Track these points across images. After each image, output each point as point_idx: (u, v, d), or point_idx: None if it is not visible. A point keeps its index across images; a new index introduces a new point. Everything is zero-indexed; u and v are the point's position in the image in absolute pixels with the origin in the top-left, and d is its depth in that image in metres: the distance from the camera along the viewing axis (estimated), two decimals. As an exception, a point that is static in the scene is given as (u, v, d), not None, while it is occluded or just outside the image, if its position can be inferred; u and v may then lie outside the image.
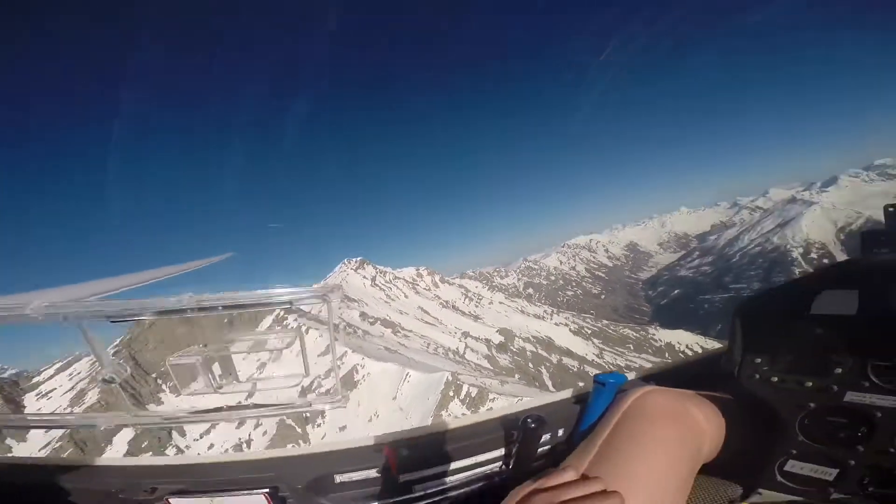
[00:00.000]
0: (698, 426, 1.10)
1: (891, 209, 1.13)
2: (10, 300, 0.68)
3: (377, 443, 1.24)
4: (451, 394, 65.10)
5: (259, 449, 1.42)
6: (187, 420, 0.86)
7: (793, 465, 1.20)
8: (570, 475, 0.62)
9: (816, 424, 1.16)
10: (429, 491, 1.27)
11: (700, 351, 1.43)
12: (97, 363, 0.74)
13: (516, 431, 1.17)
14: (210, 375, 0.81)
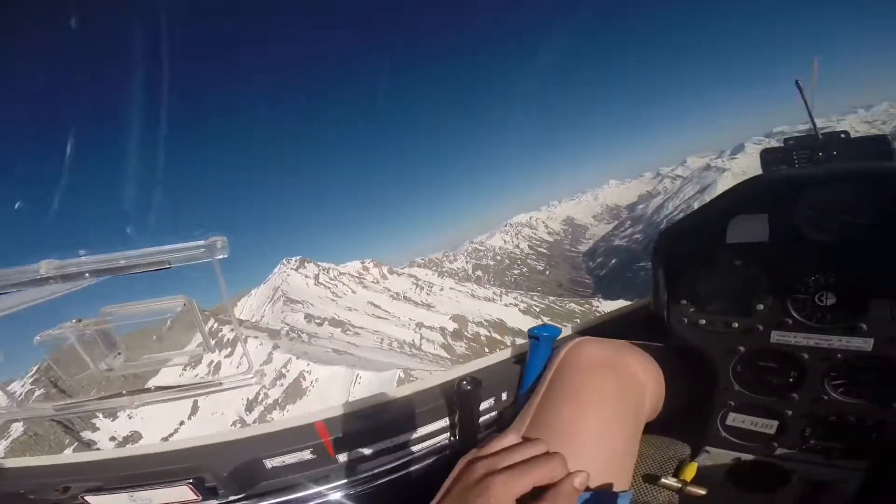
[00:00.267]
0: (636, 377, 1.06)
1: (790, 141, 1.12)
2: None
3: (306, 423, 1.16)
4: (405, 391, 63.67)
5: (182, 438, 1.30)
6: (77, 411, 0.75)
7: (733, 419, 1.15)
8: (511, 439, 0.60)
9: (748, 371, 1.10)
10: (375, 471, 1.19)
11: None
12: None
13: (455, 398, 1.13)
14: (90, 352, 0.70)
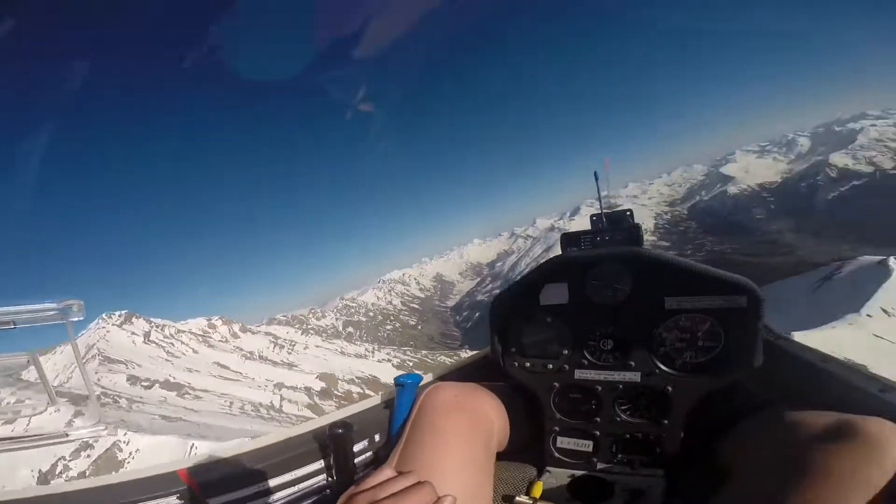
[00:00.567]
0: (485, 414, 1.30)
1: (593, 217, 1.55)
2: None
3: (168, 471, 1.18)
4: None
5: (29, 486, 1.20)
6: None
7: (561, 441, 1.44)
8: (387, 473, 0.68)
9: (564, 402, 1.43)
10: None
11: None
12: None
13: (329, 442, 1.23)
14: None
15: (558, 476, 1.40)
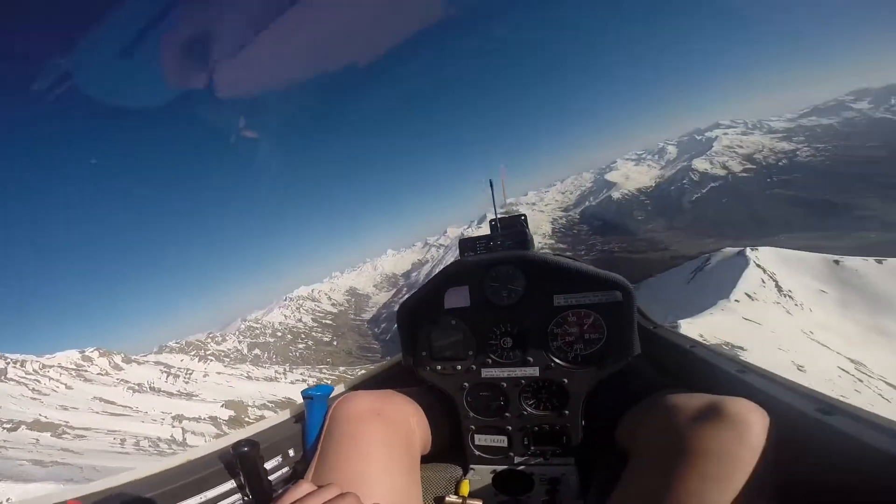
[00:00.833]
0: (403, 418, 1.31)
1: (492, 222, 1.65)
2: None
3: (58, 500, 1.10)
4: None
5: None
6: None
7: (479, 439, 1.49)
8: (306, 488, 0.67)
9: (475, 400, 1.49)
10: None
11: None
12: None
13: (235, 461, 1.21)
14: None
15: (482, 473, 1.46)
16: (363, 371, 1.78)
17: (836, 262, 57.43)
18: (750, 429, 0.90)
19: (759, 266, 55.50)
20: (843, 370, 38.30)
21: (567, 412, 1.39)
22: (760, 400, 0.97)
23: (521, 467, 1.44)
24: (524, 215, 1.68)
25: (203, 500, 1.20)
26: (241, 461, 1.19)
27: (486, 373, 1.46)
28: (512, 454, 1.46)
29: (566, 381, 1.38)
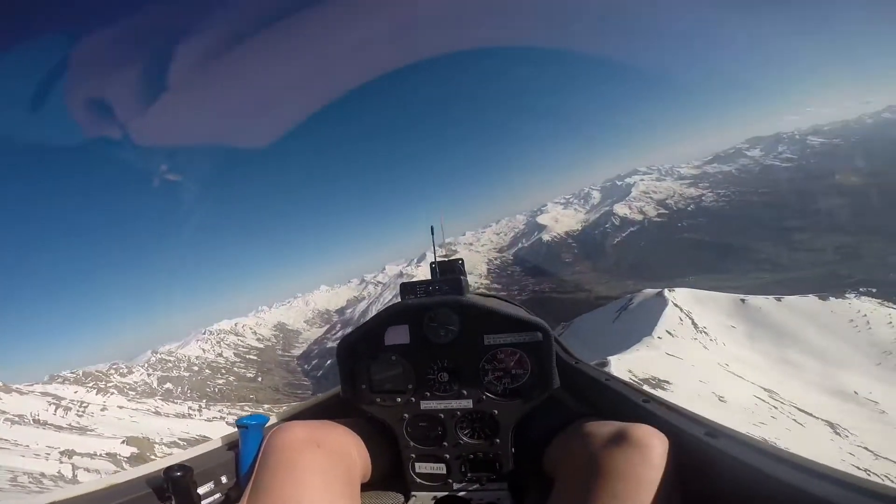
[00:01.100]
0: (342, 447, 1.35)
1: (432, 265, 1.82)
2: None
3: None
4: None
5: None
6: None
7: (419, 467, 1.59)
8: None
9: (415, 430, 1.59)
10: None
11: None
12: None
13: (167, 485, 1.19)
14: None
15: (423, 499, 1.55)
16: (297, 403, 1.87)
17: (742, 300, 62.00)
18: (652, 451, 1.06)
19: (676, 305, 58.56)
20: (759, 398, 40.18)
21: (498, 441, 1.52)
22: (661, 425, 1.15)
23: (461, 493, 1.54)
24: (461, 259, 1.87)
25: None
26: (173, 486, 1.16)
27: (425, 405, 1.56)
28: (451, 481, 1.56)
29: (496, 412, 1.51)
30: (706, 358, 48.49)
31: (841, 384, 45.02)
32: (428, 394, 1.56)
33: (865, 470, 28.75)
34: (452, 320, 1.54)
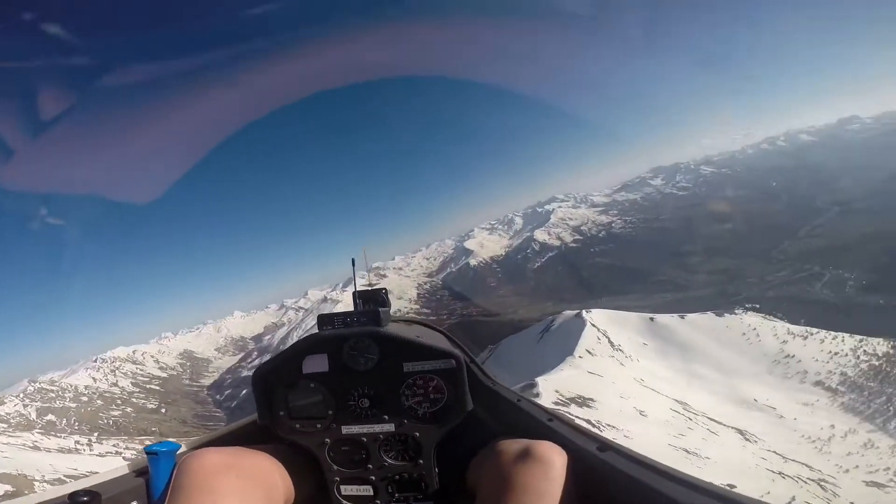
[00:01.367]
0: (259, 473, 1.34)
1: (355, 293, 1.89)
2: None
3: None
4: None
5: None
6: None
7: (345, 489, 1.62)
8: None
9: (337, 454, 1.61)
10: None
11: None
12: None
13: None
14: None
15: None
16: (211, 431, 1.84)
17: (651, 318, 65.59)
18: (553, 466, 1.16)
19: (593, 326, 60.62)
20: (675, 411, 41.43)
21: (422, 461, 1.58)
22: (561, 441, 1.27)
23: None
24: (385, 289, 1.96)
25: None
26: None
27: (347, 430, 1.59)
28: (378, 502, 1.61)
29: (418, 434, 1.57)
30: (624, 374, 49.99)
31: (742, 393, 48.17)
32: (349, 418, 1.60)
33: (779, 472, 30.79)
34: (372, 349, 1.59)
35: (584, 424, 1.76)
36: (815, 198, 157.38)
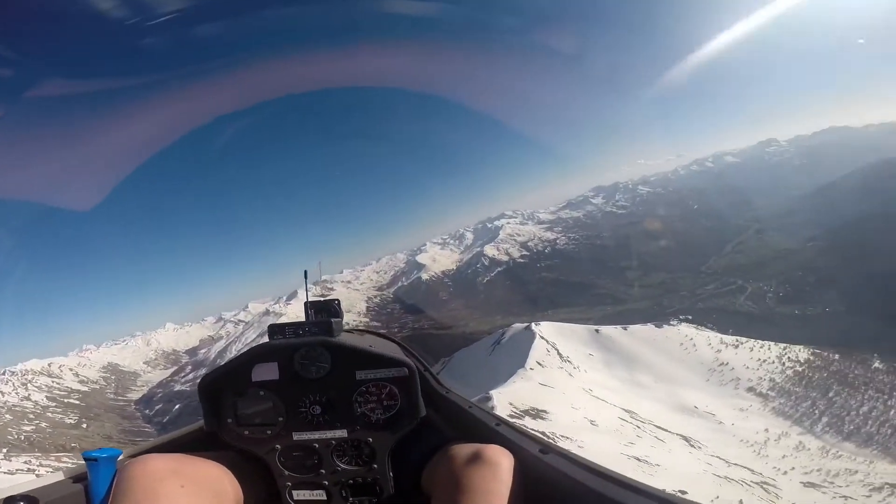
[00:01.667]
0: (207, 479, 1.31)
1: (306, 304, 1.93)
2: None
3: None
4: None
5: None
6: None
7: (297, 494, 1.61)
8: None
9: (289, 460, 1.60)
10: None
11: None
12: None
13: None
14: None
15: None
16: (155, 438, 1.81)
17: (597, 330, 66.70)
18: (500, 468, 1.22)
19: (542, 338, 60.79)
20: (623, 420, 41.57)
21: (376, 466, 1.59)
22: (508, 445, 1.34)
23: None
24: (337, 300, 1.97)
25: None
26: None
27: (298, 436, 1.59)
28: None
29: (371, 440, 1.58)
30: (573, 385, 50.04)
31: (683, 400, 49.30)
32: (301, 426, 1.59)
33: (725, 477, 31.20)
34: (324, 357, 1.59)
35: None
36: (737, 216, 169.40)
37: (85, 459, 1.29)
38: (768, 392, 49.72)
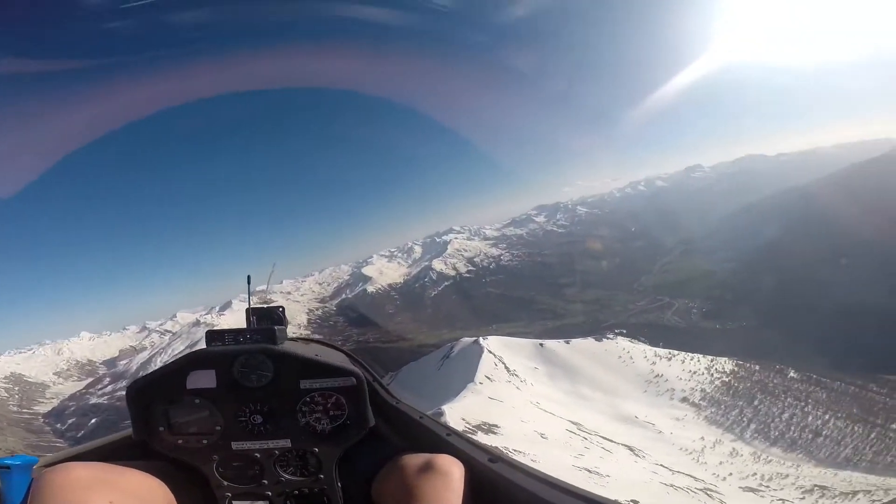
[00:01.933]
0: (134, 490, 1.22)
1: (248, 310, 1.82)
2: None
3: None
4: None
5: None
6: None
7: None
8: None
9: (228, 470, 1.53)
10: None
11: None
12: None
13: None
14: None
15: None
16: (77, 446, 1.68)
17: (541, 344, 67.66)
18: (452, 478, 1.22)
19: (490, 352, 60.58)
20: (571, 432, 41.71)
21: (322, 476, 1.54)
22: (458, 454, 1.35)
23: None
24: (282, 307, 1.87)
25: None
26: None
27: (237, 445, 1.51)
28: None
29: (317, 450, 1.52)
30: (521, 398, 49.88)
31: (623, 411, 50.41)
32: (241, 435, 1.52)
33: (670, 484, 31.36)
34: (265, 366, 1.51)
35: None
36: (666, 237, 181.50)
37: None
38: (700, 402, 52.10)
